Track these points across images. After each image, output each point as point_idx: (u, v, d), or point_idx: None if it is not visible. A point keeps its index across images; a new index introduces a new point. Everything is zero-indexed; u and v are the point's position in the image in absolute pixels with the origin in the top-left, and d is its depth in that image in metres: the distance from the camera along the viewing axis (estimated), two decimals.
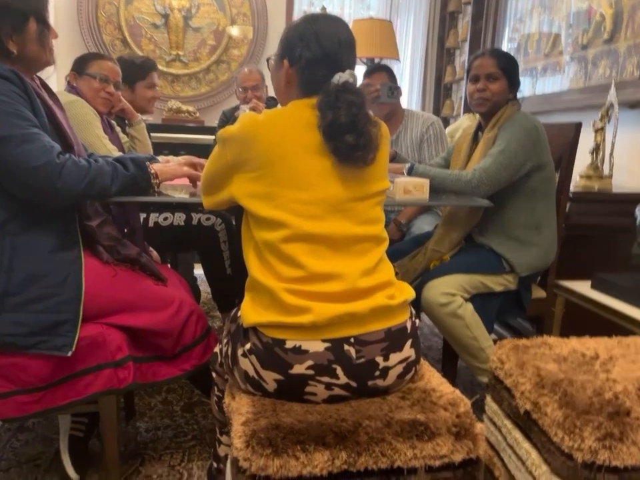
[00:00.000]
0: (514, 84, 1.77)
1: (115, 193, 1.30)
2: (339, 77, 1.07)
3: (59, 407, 1.30)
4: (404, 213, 2.30)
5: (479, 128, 1.86)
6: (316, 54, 1.09)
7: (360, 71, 3.58)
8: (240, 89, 2.80)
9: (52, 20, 3.64)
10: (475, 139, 1.86)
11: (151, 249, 1.95)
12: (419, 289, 1.66)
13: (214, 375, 1.28)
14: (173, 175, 1.44)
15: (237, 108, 2.82)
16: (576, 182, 2.18)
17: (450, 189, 1.68)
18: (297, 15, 3.91)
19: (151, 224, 2.07)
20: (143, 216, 2.02)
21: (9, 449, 1.60)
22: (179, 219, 2.12)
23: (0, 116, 1.18)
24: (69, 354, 1.24)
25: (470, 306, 1.65)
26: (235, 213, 2.09)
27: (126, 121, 2.08)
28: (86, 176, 1.24)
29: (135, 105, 2.18)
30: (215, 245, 2.14)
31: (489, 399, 1.34)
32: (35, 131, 1.21)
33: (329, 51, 1.09)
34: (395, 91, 2.28)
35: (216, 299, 2.26)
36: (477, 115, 1.88)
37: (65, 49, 3.43)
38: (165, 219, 2.11)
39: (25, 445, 1.63)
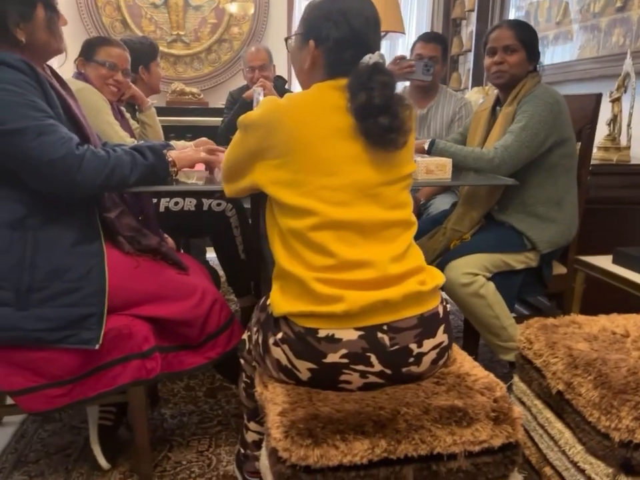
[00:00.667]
0: (533, 55, 1.72)
1: (134, 183, 1.28)
2: (369, 58, 1.04)
3: (88, 398, 1.31)
4: (423, 191, 2.27)
5: (497, 102, 1.82)
6: (345, 34, 1.05)
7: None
8: (247, 69, 2.75)
9: None
10: (493, 114, 1.83)
11: (165, 235, 1.94)
12: (439, 269, 1.64)
13: (242, 361, 1.28)
14: (190, 162, 1.42)
15: (244, 88, 2.78)
16: (593, 154, 2.15)
17: (471, 167, 1.65)
18: None
19: (162, 209, 2.06)
20: (153, 201, 2.00)
21: (37, 440, 1.62)
22: (189, 204, 2.10)
23: (13, 107, 1.16)
24: (97, 347, 1.24)
25: (492, 285, 1.64)
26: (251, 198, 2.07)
27: (136, 107, 2.04)
28: (105, 166, 1.21)
29: (151, 85, 2.18)
30: (227, 231, 2.12)
31: (516, 379, 1.34)
32: (51, 122, 1.18)
33: (358, 31, 1.05)
34: (430, 67, 2.26)
35: (231, 284, 2.26)
36: (489, 89, 1.84)
37: (65, 32, 3.35)
38: (176, 203, 2.09)
39: (52, 435, 1.64)
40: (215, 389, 1.91)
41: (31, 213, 1.23)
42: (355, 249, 1.02)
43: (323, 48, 1.08)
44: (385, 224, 1.05)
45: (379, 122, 1.01)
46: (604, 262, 1.77)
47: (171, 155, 1.36)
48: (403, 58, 2.29)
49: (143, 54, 2.12)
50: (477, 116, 1.89)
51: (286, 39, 1.21)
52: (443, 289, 1.66)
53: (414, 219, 1.12)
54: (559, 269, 1.84)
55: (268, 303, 1.10)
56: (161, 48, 3.03)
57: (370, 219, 1.04)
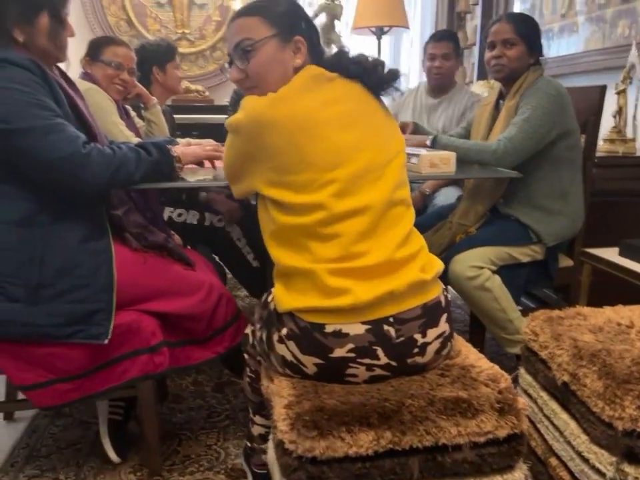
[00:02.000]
0: (534, 49, 1.72)
1: (139, 180, 1.29)
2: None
3: (98, 393, 1.33)
4: (429, 183, 2.28)
5: (500, 96, 1.82)
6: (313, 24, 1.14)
7: (368, 41, 3.52)
8: None
9: None
10: (497, 108, 1.82)
11: (172, 232, 1.95)
12: (445, 263, 1.65)
13: (246, 356, 1.28)
14: (196, 158, 1.43)
15: None
16: (599, 146, 2.14)
17: (474, 160, 1.66)
18: None
19: (165, 217, 2.06)
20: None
21: (48, 435, 1.64)
22: (192, 217, 2.08)
23: (21, 106, 1.17)
24: (105, 342, 1.26)
25: (498, 278, 1.64)
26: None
27: (141, 105, 2.06)
28: (111, 164, 1.23)
29: (167, 86, 2.21)
30: (229, 245, 2.11)
31: (522, 371, 1.34)
32: (59, 120, 1.20)
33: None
34: None
35: (248, 288, 2.29)
36: (493, 83, 1.84)
37: None
38: (180, 215, 2.09)
39: (63, 430, 1.67)
40: (222, 383, 1.92)
41: (40, 210, 1.25)
42: (364, 236, 1.01)
43: (307, 41, 1.11)
44: (391, 203, 1.05)
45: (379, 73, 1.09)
46: (610, 254, 1.76)
47: (176, 150, 1.37)
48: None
49: (159, 55, 2.16)
50: (481, 110, 1.90)
51: (245, 50, 1.09)
52: (449, 282, 1.67)
53: (410, 199, 1.14)
54: (566, 262, 1.84)
55: (269, 299, 1.11)
56: None
57: (376, 202, 1.03)
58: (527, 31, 1.70)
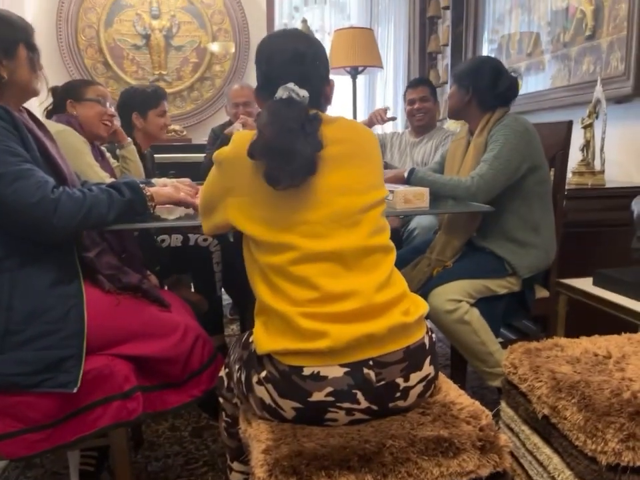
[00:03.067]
0: (473, 88, 1.77)
1: (112, 221, 1.28)
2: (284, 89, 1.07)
3: (68, 443, 1.27)
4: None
5: (471, 133, 1.87)
6: (265, 70, 1.14)
7: (344, 80, 3.60)
8: (231, 105, 2.81)
9: None
10: (468, 144, 1.87)
11: (149, 273, 1.93)
12: (423, 297, 1.65)
13: (221, 400, 1.25)
14: (169, 199, 1.42)
15: (226, 124, 2.82)
16: (569, 179, 2.19)
17: (449, 195, 1.68)
18: (277, 28, 3.91)
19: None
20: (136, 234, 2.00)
21: None
22: (176, 240, 2.11)
23: None
24: (74, 390, 1.21)
25: (476, 311, 1.64)
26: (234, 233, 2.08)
27: (116, 144, 2.06)
28: (82, 207, 1.21)
29: (147, 132, 2.20)
30: (207, 266, 2.13)
31: (504, 405, 1.33)
32: (27, 166, 1.18)
33: (278, 66, 1.11)
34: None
35: (203, 322, 2.23)
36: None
37: (47, 74, 3.39)
38: (162, 241, 2.09)
39: None
40: (200, 428, 1.87)
41: (8, 254, 1.22)
42: (338, 280, 1.01)
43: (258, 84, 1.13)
44: (366, 251, 1.04)
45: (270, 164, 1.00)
46: (585, 284, 1.78)
47: (150, 190, 1.36)
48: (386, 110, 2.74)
49: (142, 101, 2.16)
50: (453, 145, 1.94)
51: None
52: (427, 316, 1.67)
53: (392, 244, 1.12)
54: (542, 293, 1.86)
55: (251, 340, 1.09)
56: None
57: (350, 247, 1.03)
58: (463, 74, 1.79)
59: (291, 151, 0.98)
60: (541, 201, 1.74)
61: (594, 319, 1.66)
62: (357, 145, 1.09)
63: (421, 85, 2.71)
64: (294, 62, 1.08)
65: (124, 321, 1.32)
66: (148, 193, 1.35)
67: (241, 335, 1.19)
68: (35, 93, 1.33)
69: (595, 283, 1.77)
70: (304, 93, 1.03)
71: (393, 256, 1.11)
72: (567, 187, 2.06)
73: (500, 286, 1.70)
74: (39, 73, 1.32)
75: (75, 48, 3.68)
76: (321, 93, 1.12)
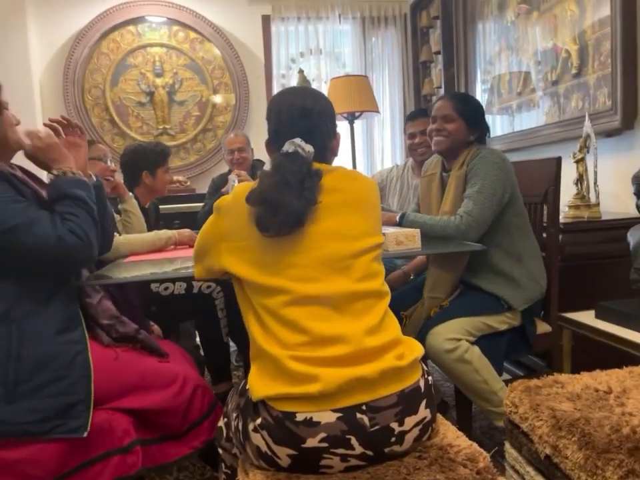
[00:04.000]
0: (473, 125, 1.80)
1: (97, 214, 1.32)
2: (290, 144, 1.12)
3: None
4: (412, 265, 2.30)
5: (443, 169, 1.89)
6: (275, 125, 1.19)
7: (342, 126, 3.69)
8: (227, 152, 2.95)
9: (38, 105, 3.76)
10: (442, 180, 1.89)
11: (152, 323, 1.94)
12: (422, 337, 1.65)
13: (220, 451, 1.24)
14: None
15: (225, 174, 2.90)
16: (565, 213, 2.21)
17: (440, 235, 1.70)
18: (275, 79, 4.05)
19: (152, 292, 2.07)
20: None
21: None
22: (179, 287, 2.12)
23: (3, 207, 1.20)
24: (85, 435, 1.22)
25: (477, 349, 1.63)
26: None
27: (117, 198, 2.12)
28: (89, 224, 1.27)
29: (154, 189, 2.29)
30: (211, 313, 2.14)
31: (507, 445, 1.31)
32: (33, 208, 1.23)
33: (286, 122, 1.16)
34: None
35: (210, 369, 2.23)
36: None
37: None
38: (166, 288, 2.11)
39: None
40: None
41: (13, 305, 1.25)
42: (328, 323, 1.02)
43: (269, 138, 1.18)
44: (357, 296, 1.06)
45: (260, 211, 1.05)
46: (587, 317, 1.77)
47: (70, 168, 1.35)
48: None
49: (151, 159, 2.25)
50: (425, 181, 1.96)
51: None
52: (428, 357, 1.66)
53: (387, 288, 1.13)
54: (544, 327, 1.84)
55: (247, 387, 1.09)
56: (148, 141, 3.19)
57: (341, 292, 1.04)
58: (465, 109, 1.81)
59: (281, 203, 1.03)
60: (520, 231, 1.76)
61: (599, 352, 1.64)
62: (351, 194, 1.12)
63: (420, 117, 2.62)
64: (301, 117, 1.13)
65: (122, 375, 1.33)
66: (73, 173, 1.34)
67: (239, 382, 1.19)
68: (19, 146, 1.35)
69: (598, 316, 1.76)
70: (309, 148, 1.08)
71: (387, 300, 1.11)
72: (564, 221, 2.09)
73: (499, 322, 1.70)
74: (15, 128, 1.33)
75: (82, 107, 3.83)
76: (327, 147, 1.18)
